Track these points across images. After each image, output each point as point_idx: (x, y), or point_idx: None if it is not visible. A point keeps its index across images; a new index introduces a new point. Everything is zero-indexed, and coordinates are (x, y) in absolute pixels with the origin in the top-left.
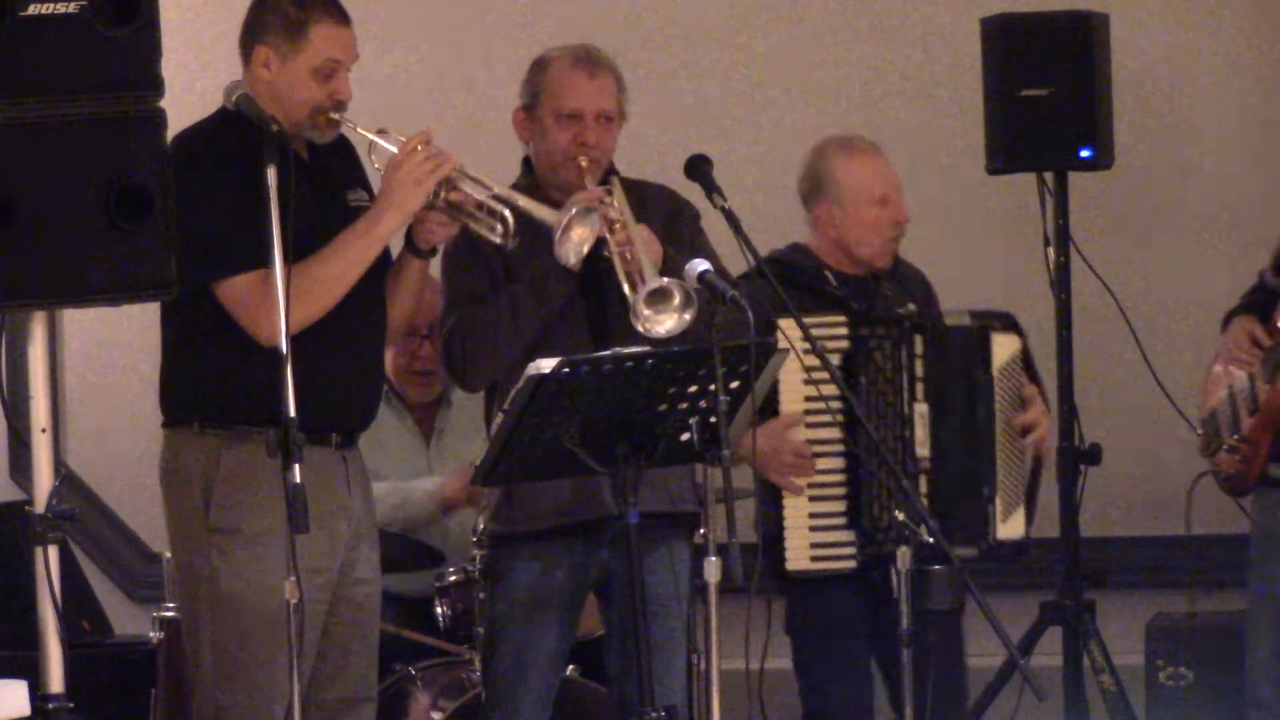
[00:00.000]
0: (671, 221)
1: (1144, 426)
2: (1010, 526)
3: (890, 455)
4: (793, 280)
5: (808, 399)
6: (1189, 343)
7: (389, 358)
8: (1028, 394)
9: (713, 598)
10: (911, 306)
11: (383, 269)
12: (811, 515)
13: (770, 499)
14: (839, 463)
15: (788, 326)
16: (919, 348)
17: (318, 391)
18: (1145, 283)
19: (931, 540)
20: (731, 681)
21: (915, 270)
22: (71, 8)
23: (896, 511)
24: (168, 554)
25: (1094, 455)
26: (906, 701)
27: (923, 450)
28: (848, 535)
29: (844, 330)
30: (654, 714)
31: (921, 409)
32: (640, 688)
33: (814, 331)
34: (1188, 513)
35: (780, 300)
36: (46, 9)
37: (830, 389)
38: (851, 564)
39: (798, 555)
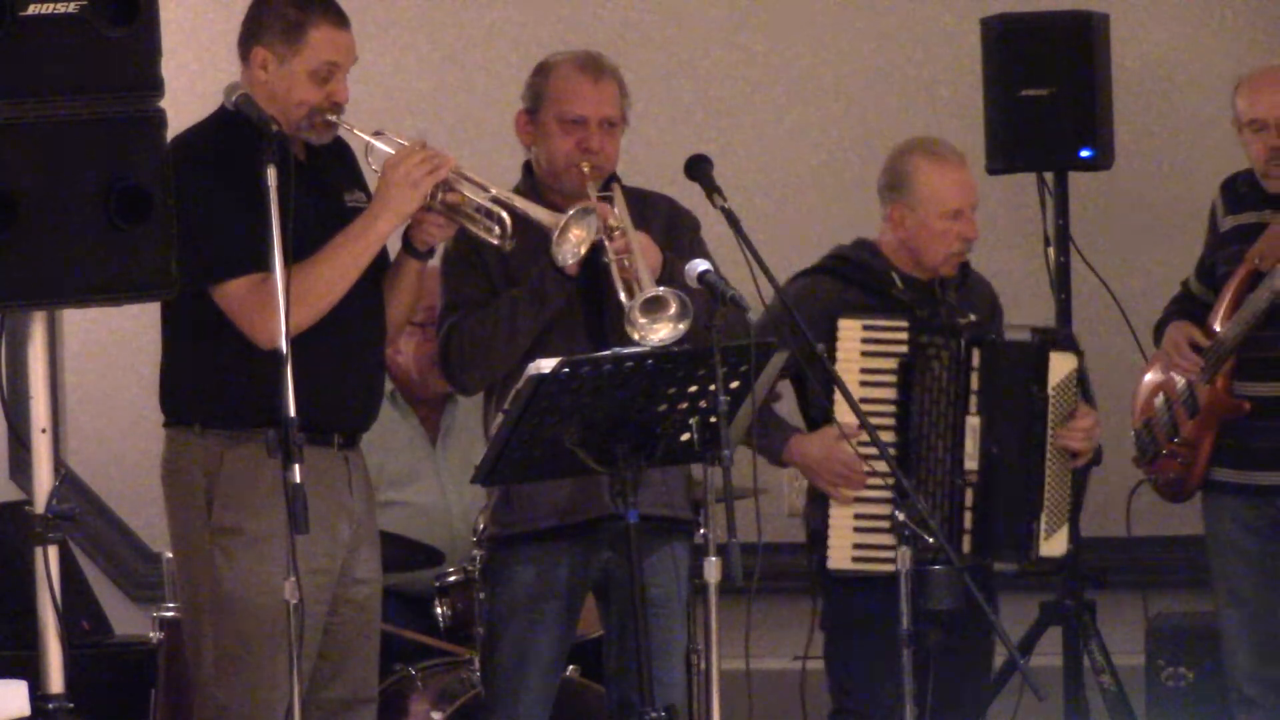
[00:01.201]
0: (671, 230)
1: None
2: (1053, 544)
3: (890, 456)
4: (857, 280)
5: (862, 400)
6: None
7: (411, 348)
8: (1081, 412)
9: (713, 598)
10: (973, 317)
11: (381, 270)
12: (857, 516)
13: (819, 495)
14: (887, 466)
15: (846, 327)
16: (976, 360)
17: (318, 393)
18: (1145, 283)
19: (932, 541)
20: (731, 681)
21: (984, 281)
22: (71, 8)
23: (897, 512)
24: (168, 554)
25: (1094, 455)
26: (906, 701)
27: (971, 463)
28: (891, 539)
29: (904, 335)
30: (654, 714)
31: (973, 422)
32: (640, 688)
33: (875, 334)
34: (1128, 520)
35: (793, 320)
36: (46, 9)
37: (883, 393)
38: (892, 567)
39: (840, 555)
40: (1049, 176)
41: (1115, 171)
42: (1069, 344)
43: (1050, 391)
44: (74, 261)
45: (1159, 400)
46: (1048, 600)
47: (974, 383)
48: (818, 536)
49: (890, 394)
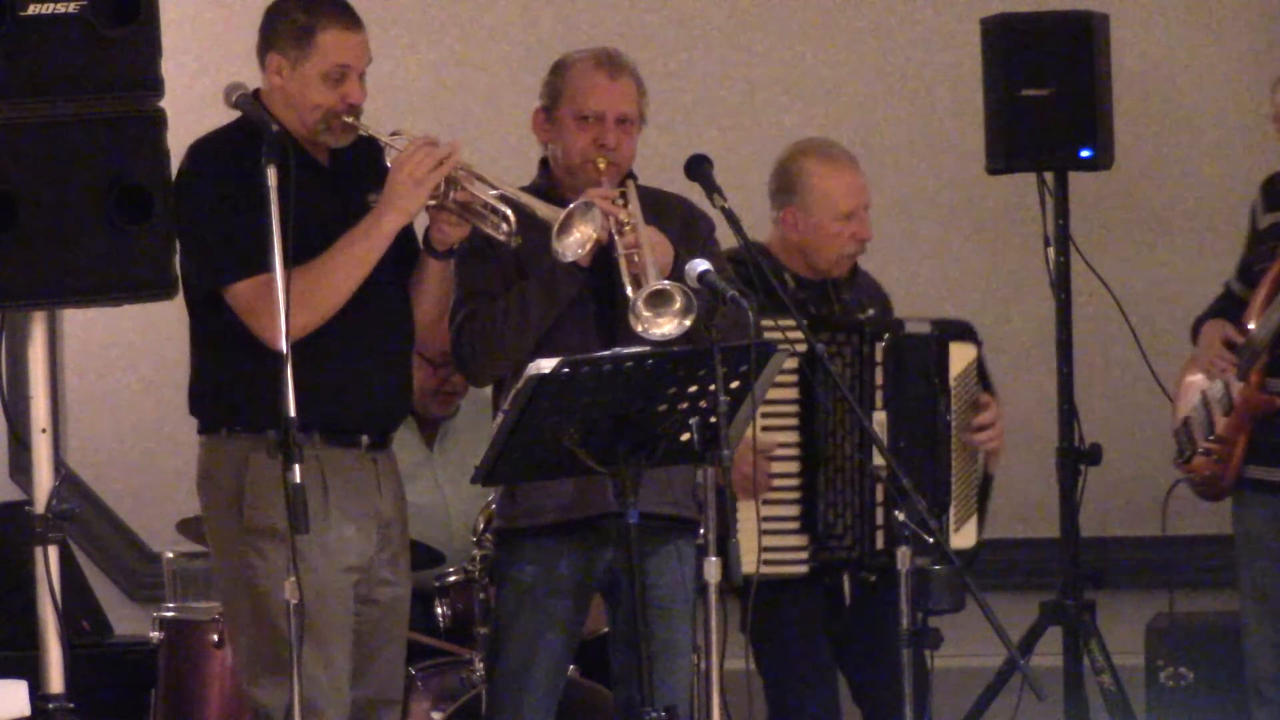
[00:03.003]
0: (686, 231)
1: (1144, 427)
2: (962, 536)
3: (890, 458)
4: (749, 282)
5: (765, 403)
6: (1189, 343)
7: (418, 379)
8: (983, 401)
9: (713, 598)
10: (871, 312)
11: (407, 270)
12: (764, 519)
13: None
14: (793, 467)
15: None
16: (878, 355)
17: (346, 394)
18: (1145, 283)
19: (932, 540)
20: (731, 682)
21: (873, 281)
22: (71, 8)
23: (896, 511)
24: (168, 554)
25: (1094, 455)
26: (906, 701)
27: (880, 458)
28: (800, 540)
29: (802, 334)
30: (654, 714)
31: (879, 416)
32: (641, 688)
33: (770, 335)
34: (1164, 518)
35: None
36: (46, 9)
37: (785, 393)
38: (802, 569)
39: (747, 560)
40: (1049, 176)
41: (1115, 171)
42: (968, 335)
43: (952, 382)
44: (74, 261)
45: (1195, 399)
46: (1048, 600)
47: (877, 377)
48: (722, 542)
49: (792, 394)
